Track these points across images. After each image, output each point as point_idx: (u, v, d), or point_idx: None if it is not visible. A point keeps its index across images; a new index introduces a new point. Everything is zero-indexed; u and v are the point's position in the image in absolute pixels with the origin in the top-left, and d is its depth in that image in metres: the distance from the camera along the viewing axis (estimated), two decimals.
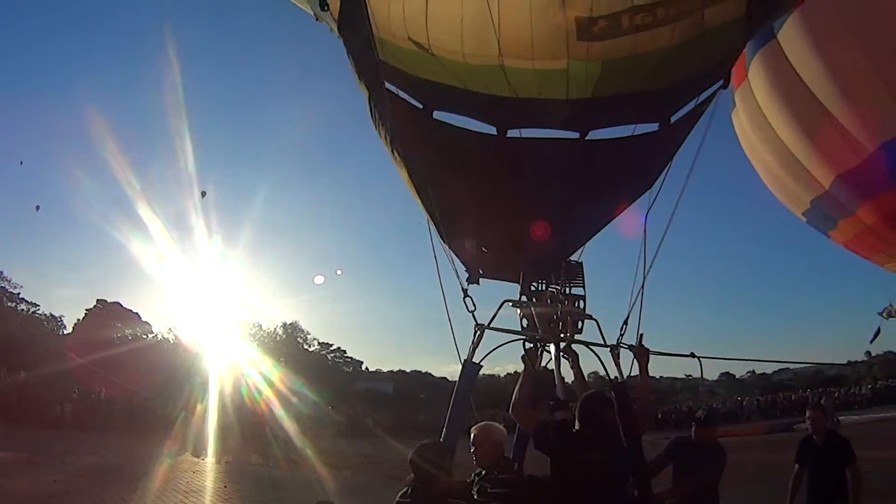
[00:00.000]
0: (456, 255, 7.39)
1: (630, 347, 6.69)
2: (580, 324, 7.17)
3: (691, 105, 7.29)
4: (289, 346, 68.94)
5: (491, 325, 6.91)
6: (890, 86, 9.87)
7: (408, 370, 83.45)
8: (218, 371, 39.35)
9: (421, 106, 7.53)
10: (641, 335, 6.72)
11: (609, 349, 6.90)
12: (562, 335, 6.98)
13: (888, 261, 12.24)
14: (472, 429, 5.50)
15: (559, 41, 6.76)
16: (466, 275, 7.43)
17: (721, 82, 7.05)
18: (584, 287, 7.53)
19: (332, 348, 77.66)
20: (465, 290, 7.10)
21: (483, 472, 5.26)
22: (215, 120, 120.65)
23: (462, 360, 6.74)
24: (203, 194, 31.06)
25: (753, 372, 76.08)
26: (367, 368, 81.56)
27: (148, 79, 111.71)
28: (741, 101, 12.40)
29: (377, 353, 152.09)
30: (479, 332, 6.81)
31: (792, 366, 73.33)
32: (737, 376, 75.88)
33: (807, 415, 8.48)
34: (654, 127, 7.46)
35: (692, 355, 7.12)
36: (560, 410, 5.80)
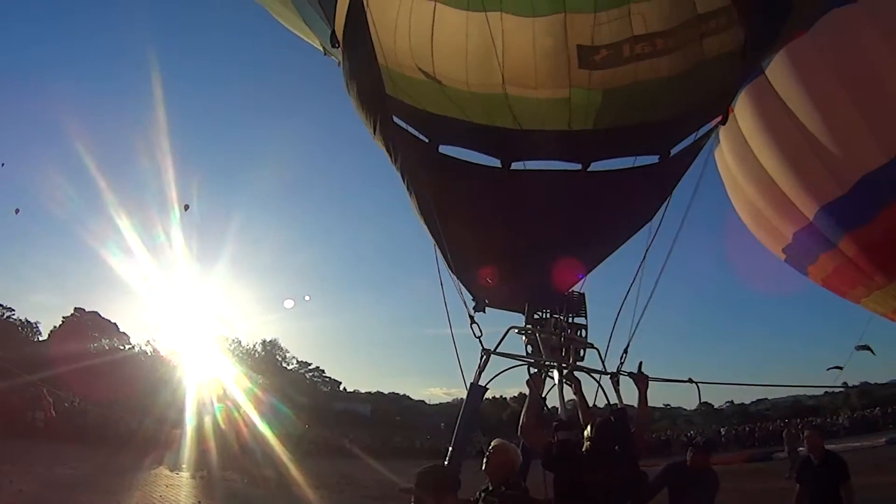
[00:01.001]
0: (463, 285, 7.52)
1: (630, 375, 6.80)
2: (582, 352, 7.37)
3: (690, 139, 7.39)
4: (267, 363, 68.72)
5: (496, 351, 6.96)
6: (870, 120, 10.09)
7: (385, 392, 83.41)
8: (195, 385, 39.11)
9: (427, 140, 7.62)
10: (641, 363, 6.82)
11: (609, 376, 7.06)
12: (565, 363, 7.13)
13: (866, 294, 12.24)
14: (495, 440, 5.53)
15: (561, 69, 6.92)
16: (473, 303, 7.54)
17: (720, 118, 7.26)
18: (585, 317, 7.77)
19: (310, 367, 77.55)
20: (471, 317, 7.25)
21: (490, 488, 5.26)
22: (200, 135, 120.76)
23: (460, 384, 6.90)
24: (186, 207, 30.91)
25: (732, 402, 76.71)
26: (345, 389, 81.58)
27: (134, 91, 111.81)
28: (725, 136, 12.50)
29: (356, 373, 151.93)
30: (485, 357, 6.86)
31: (770, 396, 73.96)
32: (715, 406, 76.39)
33: (805, 435, 9.01)
34: (654, 159, 7.54)
35: (690, 380, 7.21)
36: (562, 431, 5.92)
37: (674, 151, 7.50)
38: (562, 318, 7.60)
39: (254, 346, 70.71)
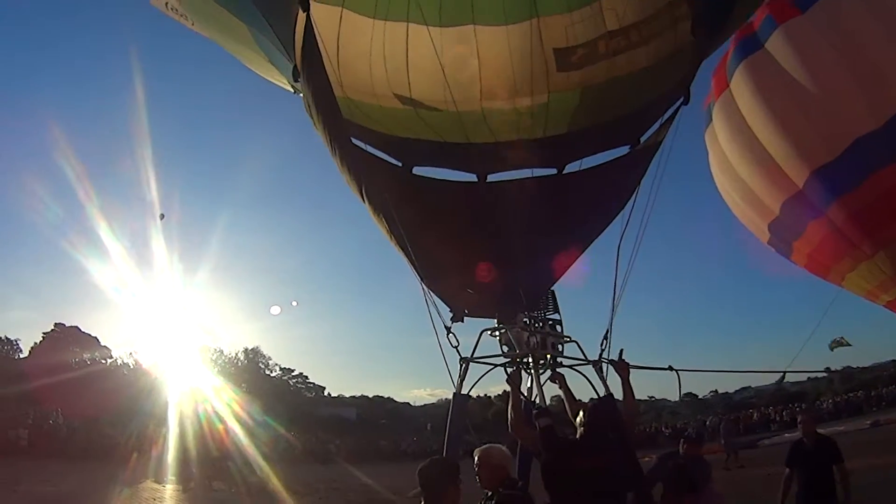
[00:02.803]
0: (439, 297, 7.52)
1: (611, 362, 6.84)
2: (560, 346, 7.43)
3: (657, 125, 7.56)
4: (250, 371, 68.31)
5: (474, 357, 7.14)
6: (864, 87, 10.50)
7: (370, 395, 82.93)
8: (179, 396, 38.81)
9: (400, 164, 7.83)
10: (622, 350, 6.82)
11: (592, 365, 7.17)
12: (544, 358, 7.23)
13: (851, 267, 12.30)
14: (475, 451, 5.50)
15: (540, 75, 7.13)
16: (451, 314, 7.55)
17: (682, 99, 7.30)
18: (558, 312, 7.80)
19: (293, 374, 77.07)
20: (448, 329, 7.27)
21: (489, 494, 5.26)
22: (178, 142, 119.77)
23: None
24: (162, 216, 30.56)
25: (716, 391, 76.92)
26: (329, 394, 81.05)
27: (112, 99, 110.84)
28: (720, 112, 12.83)
29: (340, 378, 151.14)
30: (464, 365, 7.03)
31: (754, 384, 74.28)
32: (699, 396, 76.82)
33: (798, 420, 9.09)
34: (625, 150, 7.76)
35: (670, 368, 7.28)
36: (543, 417, 5.93)
37: (642, 139, 7.71)
38: (534, 315, 7.63)
39: (236, 354, 70.13)
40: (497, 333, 7.48)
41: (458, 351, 7.10)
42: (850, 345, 15.23)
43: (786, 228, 12.80)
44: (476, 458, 5.41)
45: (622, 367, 6.61)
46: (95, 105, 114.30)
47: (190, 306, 61.73)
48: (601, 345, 7.21)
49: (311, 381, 79.33)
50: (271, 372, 73.76)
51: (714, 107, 12.89)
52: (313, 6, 6.34)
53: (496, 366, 7.25)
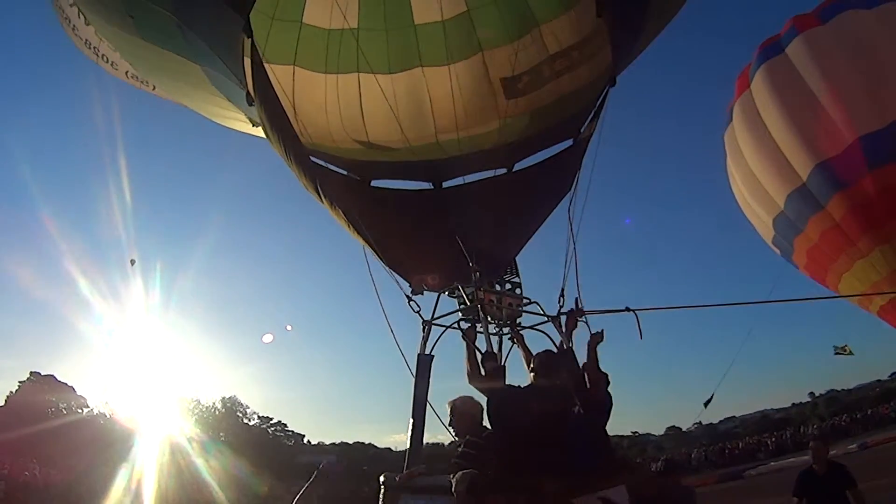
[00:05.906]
0: (399, 274, 7.92)
1: (568, 313, 7.17)
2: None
3: (591, 114, 7.89)
4: (228, 420, 67.50)
5: (434, 320, 7.50)
6: (870, 90, 11.48)
7: (350, 441, 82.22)
8: (156, 447, 38.21)
9: (358, 178, 8.31)
10: (576, 298, 7.19)
11: (551, 320, 7.59)
12: (498, 312, 7.62)
13: (848, 265, 12.84)
14: (448, 402, 6.10)
15: (489, 107, 7.66)
16: (410, 288, 7.95)
17: (609, 83, 7.46)
18: (518, 276, 8.34)
19: (272, 422, 76.18)
20: (408, 297, 7.68)
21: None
22: (152, 186, 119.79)
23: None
24: (132, 262, 30.18)
25: (700, 423, 76.59)
26: (309, 441, 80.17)
27: (82, 143, 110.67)
28: (739, 110, 13.89)
29: (319, 424, 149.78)
30: (427, 328, 7.38)
31: (737, 413, 74.57)
32: (683, 429, 76.27)
33: (810, 445, 8.82)
34: (568, 143, 8.20)
35: (627, 309, 7.23)
36: (489, 361, 6.58)
37: (582, 129, 8.01)
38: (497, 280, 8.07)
39: (213, 403, 69.26)
40: (455, 294, 7.83)
41: (420, 315, 7.47)
42: (852, 354, 15.35)
43: (789, 224, 13.41)
44: (450, 409, 6.05)
45: (578, 315, 6.95)
46: (68, 149, 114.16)
47: (166, 355, 61.14)
48: (558, 301, 7.57)
49: (290, 428, 78.59)
50: (250, 420, 72.90)
51: (735, 107, 13.87)
52: (266, 67, 6.64)
53: (448, 327, 7.53)
